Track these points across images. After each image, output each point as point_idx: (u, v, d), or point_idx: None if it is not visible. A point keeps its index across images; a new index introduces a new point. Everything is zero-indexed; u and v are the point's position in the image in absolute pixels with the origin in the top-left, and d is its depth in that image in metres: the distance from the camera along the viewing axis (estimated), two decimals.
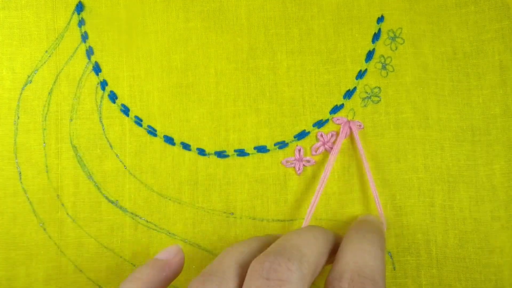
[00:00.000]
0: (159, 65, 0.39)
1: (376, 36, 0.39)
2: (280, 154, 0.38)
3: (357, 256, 0.30)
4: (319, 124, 0.39)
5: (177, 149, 0.39)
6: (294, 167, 0.38)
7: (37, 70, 0.39)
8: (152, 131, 0.39)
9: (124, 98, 0.39)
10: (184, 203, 0.38)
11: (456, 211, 0.38)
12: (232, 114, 0.39)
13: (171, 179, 0.38)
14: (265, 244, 0.32)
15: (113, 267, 0.38)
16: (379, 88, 0.39)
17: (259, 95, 0.39)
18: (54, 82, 0.39)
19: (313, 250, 0.30)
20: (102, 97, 0.39)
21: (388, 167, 0.38)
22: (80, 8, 0.39)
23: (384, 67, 0.39)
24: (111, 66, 0.39)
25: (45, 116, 0.39)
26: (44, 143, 0.38)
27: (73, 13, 0.39)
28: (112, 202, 0.38)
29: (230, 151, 0.38)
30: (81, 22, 0.39)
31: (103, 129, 0.39)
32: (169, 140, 0.39)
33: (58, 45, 0.39)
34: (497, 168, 0.38)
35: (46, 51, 0.39)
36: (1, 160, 0.38)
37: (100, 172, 0.38)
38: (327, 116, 0.39)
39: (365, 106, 0.39)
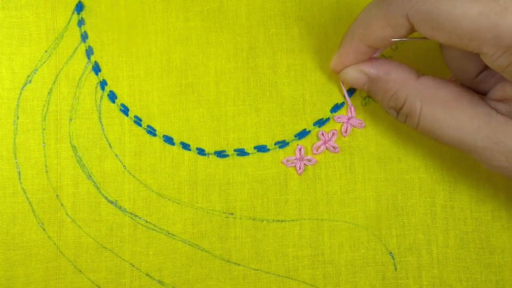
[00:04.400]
0: (158, 64, 0.39)
1: None
2: (281, 154, 0.38)
3: None
4: (320, 123, 0.39)
5: (177, 149, 0.38)
6: (295, 166, 0.38)
7: (36, 70, 0.39)
8: (151, 131, 0.38)
9: (123, 97, 0.39)
10: (184, 203, 0.38)
11: (457, 211, 0.38)
12: (232, 113, 0.39)
13: (170, 179, 0.38)
14: None
15: (112, 267, 0.37)
16: None
17: (259, 94, 0.39)
18: (54, 82, 0.39)
19: None
20: (101, 97, 0.39)
21: (389, 166, 0.38)
22: (79, 7, 0.39)
23: None
24: (111, 66, 0.39)
25: (45, 116, 0.38)
26: (44, 143, 0.38)
27: (72, 13, 0.39)
28: (111, 202, 0.38)
29: (230, 151, 0.38)
30: (81, 22, 0.39)
31: (103, 129, 0.38)
32: (168, 140, 0.38)
33: (58, 45, 0.39)
34: None
35: (46, 51, 0.39)
36: (0, 160, 0.38)
37: (99, 172, 0.38)
38: (328, 114, 0.39)
39: (366, 104, 0.39)
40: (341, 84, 0.38)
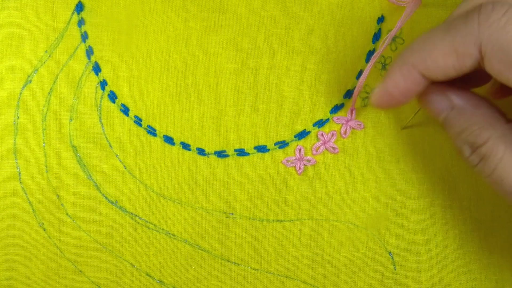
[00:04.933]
0: (159, 65, 0.39)
1: (376, 36, 0.39)
2: (281, 154, 0.38)
3: None
4: (320, 123, 0.39)
5: (177, 149, 0.38)
6: (295, 166, 0.38)
7: (36, 70, 0.39)
8: (151, 131, 0.39)
9: (123, 98, 0.39)
10: (184, 203, 0.38)
11: (456, 211, 0.38)
12: (232, 113, 0.39)
13: (170, 179, 0.38)
14: None
15: (112, 267, 0.37)
16: None
17: (259, 94, 0.39)
18: (54, 82, 0.39)
19: None
20: (101, 97, 0.39)
21: (388, 167, 0.38)
22: (80, 8, 0.39)
23: (384, 67, 0.39)
24: (111, 66, 0.39)
25: (45, 116, 0.38)
26: (44, 143, 0.38)
27: (73, 13, 0.39)
28: (111, 202, 0.38)
29: (230, 151, 0.38)
30: (81, 22, 0.39)
31: (103, 129, 0.39)
32: (168, 140, 0.38)
33: (58, 45, 0.39)
34: None
35: (46, 51, 0.39)
36: (0, 160, 0.38)
37: (99, 172, 0.38)
38: (328, 115, 0.39)
39: (365, 105, 0.39)
40: (357, 87, 0.37)
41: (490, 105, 0.31)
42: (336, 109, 0.39)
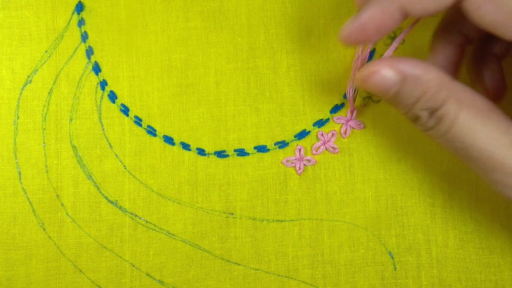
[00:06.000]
0: (159, 65, 0.39)
1: None
2: (281, 154, 0.38)
3: None
4: (320, 123, 0.39)
5: (177, 149, 0.38)
6: (295, 166, 0.38)
7: (37, 70, 0.39)
8: (151, 131, 0.39)
9: (123, 98, 0.39)
10: (184, 203, 0.38)
11: (457, 211, 0.38)
12: (232, 113, 0.39)
13: (170, 179, 0.38)
14: None
15: (112, 267, 0.37)
16: None
17: (259, 94, 0.39)
18: (54, 82, 0.39)
19: None
20: (101, 97, 0.39)
21: (388, 166, 0.38)
22: (80, 8, 0.39)
23: None
24: (111, 66, 0.39)
25: (45, 116, 0.38)
26: (44, 143, 0.38)
27: (73, 13, 0.39)
28: (111, 202, 0.38)
29: (230, 151, 0.38)
30: (81, 22, 0.39)
31: (103, 129, 0.39)
32: (168, 140, 0.38)
33: (58, 45, 0.39)
34: None
35: (46, 51, 0.39)
36: (0, 160, 0.38)
37: (99, 172, 0.38)
38: (328, 115, 0.39)
39: (365, 105, 0.39)
40: (349, 90, 0.37)
41: (433, 66, 0.30)
42: (336, 109, 0.39)
